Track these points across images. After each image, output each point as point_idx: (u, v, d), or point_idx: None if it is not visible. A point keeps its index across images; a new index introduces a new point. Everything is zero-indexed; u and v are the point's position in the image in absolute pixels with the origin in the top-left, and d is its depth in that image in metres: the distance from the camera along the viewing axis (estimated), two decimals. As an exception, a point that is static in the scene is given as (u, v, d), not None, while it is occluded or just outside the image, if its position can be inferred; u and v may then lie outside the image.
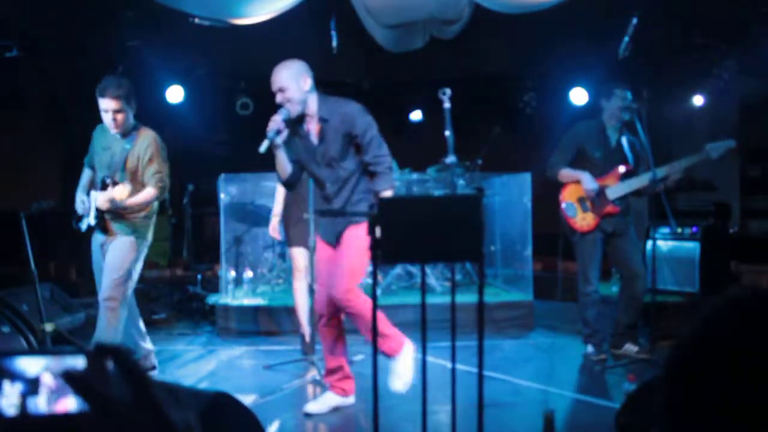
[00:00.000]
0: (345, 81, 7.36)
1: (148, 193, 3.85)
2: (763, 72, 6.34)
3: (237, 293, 5.88)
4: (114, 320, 3.80)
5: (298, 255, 4.65)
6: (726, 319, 0.69)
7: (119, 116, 3.78)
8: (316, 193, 3.56)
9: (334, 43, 6.00)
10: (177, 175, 8.71)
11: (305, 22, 5.50)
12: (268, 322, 5.54)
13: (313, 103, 3.38)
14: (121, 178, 3.80)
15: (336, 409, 3.54)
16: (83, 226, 3.93)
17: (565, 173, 4.51)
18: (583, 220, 4.49)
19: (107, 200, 3.70)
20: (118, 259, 3.84)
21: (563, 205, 4.55)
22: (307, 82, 3.36)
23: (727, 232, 6.58)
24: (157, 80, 7.03)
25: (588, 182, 4.42)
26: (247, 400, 3.68)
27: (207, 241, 8.04)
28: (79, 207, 3.95)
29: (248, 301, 5.67)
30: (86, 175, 4.09)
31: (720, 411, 0.65)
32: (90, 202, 3.89)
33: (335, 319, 3.49)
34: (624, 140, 4.55)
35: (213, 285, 6.49)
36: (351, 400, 3.60)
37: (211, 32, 5.37)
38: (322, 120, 3.36)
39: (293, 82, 3.32)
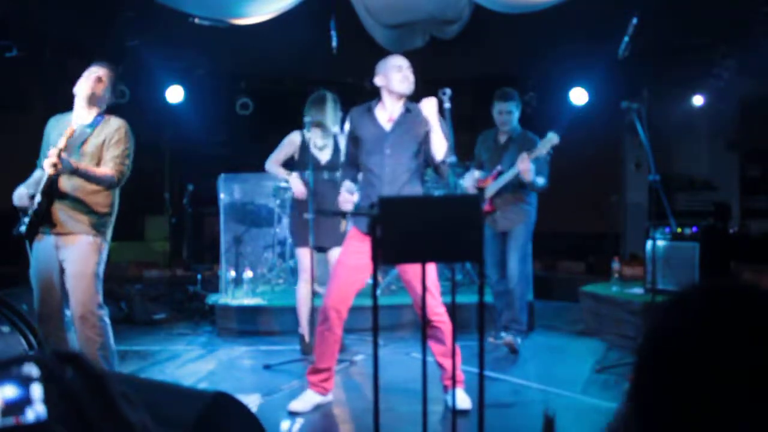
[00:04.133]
0: (345, 81, 7.37)
1: (105, 170, 3.33)
2: (763, 72, 6.33)
3: (237, 293, 5.87)
4: (99, 336, 3.32)
5: (305, 255, 4.60)
6: (674, 315, 0.78)
7: (99, 86, 3.40)
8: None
9: (334, 43, 6.00)
10: (177, 175, 8.79)
11: (305, 22, 5.49)
12: (268, 322, 5.54)
13: None
14: (77, 159, 3.28)
15: (318, 407, 3.57)
16: (23, 227, 3.31)
17: (467, 176, 4.95)
18: None
19: (55, 155, 3.12)
20: (81, 265, 3.32)
21: None
22: None
23: (727, 232, 6.57)
24: (157, 80, 7.03)
25: (467, 180, 4.87)
26: (247, 400, 3.68)
27: (207, 241, 8.04)
28: (16, 198, 3.34)
29: (248, 301, 5.67)
30: (37, 174, 3.46)
31: (670, 401, 0.72)
32: (36, 196, 3.30)
33: (339, 323, 3.49)
34: (514, 145, 4.75)
35: (213, 285, 6.49)
36: (330, 397, 3.66)
37: (211, 32, 5.37)
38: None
39: None
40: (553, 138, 4.44)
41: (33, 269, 3.41)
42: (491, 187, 4.72)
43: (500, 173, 4.71)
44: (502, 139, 4.81)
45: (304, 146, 4.56)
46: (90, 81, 3.41)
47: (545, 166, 4.65)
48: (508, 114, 4.72)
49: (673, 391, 0.71)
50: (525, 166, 4.44)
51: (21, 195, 3.36)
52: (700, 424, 0.69)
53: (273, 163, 4.66)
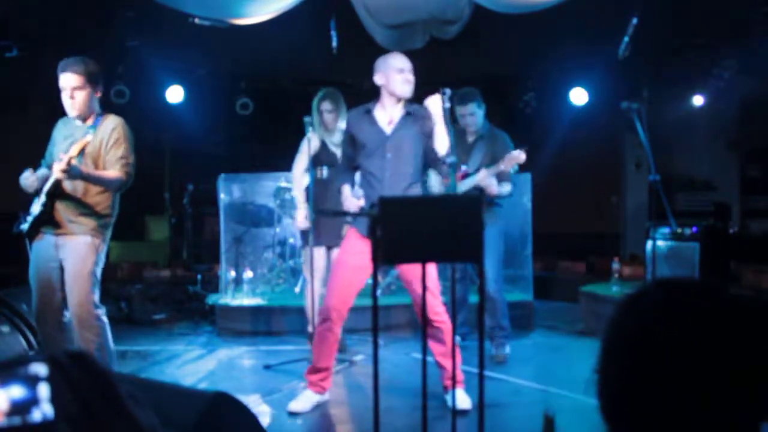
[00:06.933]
0: (345, 81, 7.37)
1: (113, 173, 3.32)
2: (763, 72, 6.34)
3: (237, 293, 5.87)
4: (96, 336, 3.32)
5: (320, 255, 4.58)
6: (632, 310, 0.84)
7: (78, 94, 3.32)
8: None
9: (334, 43, 6.01)
10: (177, 175, 8.79)
11: (305, 22, 5.50)
12: (268, 322, 5.54)
13: None
14: (79, 162, 3.24)
15: (318, 406, 3.57)
16: (24, 226, 3.34)
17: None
18: None
19: (65, 162, 3.08)
20: (78, 265, 3.30)
21: None
22: None
23: (727, 232, 6.58)
24: (157, 80, 7.03)
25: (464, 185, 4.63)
26: (247, 400, 3.68)
27: (207, 241, 8.04)
28: (24, 180, 3.33)
29: (248, 301, 5.67)
30: (43, 171, 3.48)
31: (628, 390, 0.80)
32: (41, 196, 3.33)
33: (339, 323, 3.50)
34: (481, 143, 4.56)
35: (213, 285, 6.49)
36: (327, 396, 3.67)
37: (211, 32, 5.37)
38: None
39: None
40: (519, 156, 4.21)
41: (32, 269, 3.40)
42: (458, 189, 4.45)
43: (466, 175, 4.51)
44: (470, 138, 4.61)
45: (324, 145, 4.56)
46: (68, 98, 3.34)
47: (509, 174, 4.44)
48: (471, 116, 4.53)
49: (630, 379, 0.79)
50: (485, 183, 4.31)
51: (27, 177, 3.34)
52: (658, 409, 0.76)
53: (298, 172, 4.63)
